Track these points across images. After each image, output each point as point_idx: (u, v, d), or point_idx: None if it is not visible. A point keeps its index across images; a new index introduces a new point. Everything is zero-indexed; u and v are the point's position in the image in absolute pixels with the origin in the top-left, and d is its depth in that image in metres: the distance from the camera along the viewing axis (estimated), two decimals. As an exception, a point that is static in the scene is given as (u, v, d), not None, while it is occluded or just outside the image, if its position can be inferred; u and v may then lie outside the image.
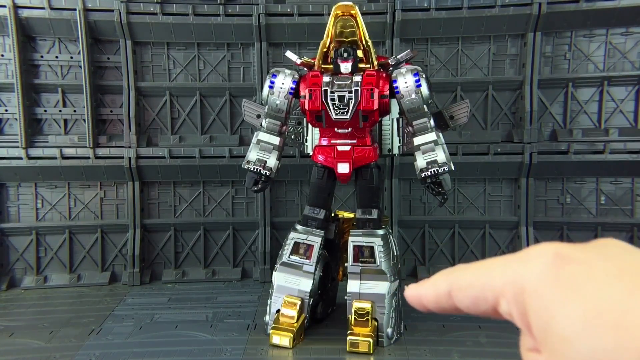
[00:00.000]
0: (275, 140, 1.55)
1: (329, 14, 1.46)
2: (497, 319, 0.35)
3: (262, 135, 1.55)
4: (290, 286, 1.54)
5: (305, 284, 1.54)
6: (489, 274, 0.35)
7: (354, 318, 1.47)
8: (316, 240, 1.56)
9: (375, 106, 1.44)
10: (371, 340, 1.43)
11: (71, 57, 2.04)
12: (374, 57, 1.48)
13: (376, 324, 1.47)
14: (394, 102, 1.50)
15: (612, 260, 0.31)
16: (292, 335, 1.47)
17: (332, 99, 1.44)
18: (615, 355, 0.27)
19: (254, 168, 1.53)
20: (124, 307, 1.81)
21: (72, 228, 2.08)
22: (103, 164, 2.04)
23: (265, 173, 1.53)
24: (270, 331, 1.50)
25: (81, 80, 2.00)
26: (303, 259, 1.55)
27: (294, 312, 1.51)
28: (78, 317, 1.72)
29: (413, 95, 1.44)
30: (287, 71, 1.53)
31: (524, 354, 0.35)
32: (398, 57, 1.49)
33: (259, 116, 1.61)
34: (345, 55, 1.46)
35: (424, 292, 0.39)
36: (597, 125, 2.03)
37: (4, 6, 1.92)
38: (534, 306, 0.32)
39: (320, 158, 1.56)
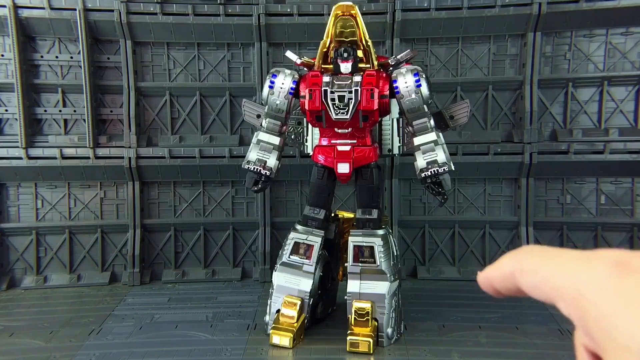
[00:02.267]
0: (276, 140, 1.55)
1: (329, 14, 1.46)
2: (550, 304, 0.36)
3: (262, 135, 1.55)
4: (290, 286, 1.54)
5: (305, 284, 1.54)
6: (552, 268, 0.35)
7: (354, 318, 1.47)
8: (316, 240, 1.56)
9: (375, 106, 1.44)
10: (371, 340, 1.43)
11: (71, 57, 2.04)
12: (374, 57, 1.48)
13: (376, 324, 1.47)
14: (394, 102, 1.50)
15: None
16: (292, 335, 1.47)
17: (332, 99, 1.44)
18: None
19: (254, 168, 1.53)
20: (124, 307, 1.81)
21: (72, 228, 2.08)
22: (103, 164, 2.04)
23: (265, 173, 1.53)
24: (270, 331, 1.50)
25: (81, 80, 2.00)
26: (303, 259, 1.55)
27: (294, 312, 1.51)
28: (78, 317, 1.72)
29: (413, 95, 1.44)
30: (287, 71, 1.53)
31: (578, 348, 0.36)
32: (398, 57, 1.49)
33: (259, 116, 1.61)
34: (345, 55, 1.46)
35: (492, 273, 0.40)
36: (597, 125, 2.03)
37: (4, 6, 1.92)
38: (593, 314, 0.32)
39: (320, 158, 1.56)
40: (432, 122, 1.47)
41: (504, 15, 1.95)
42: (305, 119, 1.65)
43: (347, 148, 1.53)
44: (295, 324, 1.50)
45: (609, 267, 0.32)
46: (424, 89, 1.44)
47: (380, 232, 1.54)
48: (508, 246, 2.08)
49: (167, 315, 1.73)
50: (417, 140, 1.47)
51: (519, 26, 1.97)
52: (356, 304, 1.47)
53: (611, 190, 2.05)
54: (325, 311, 1.68)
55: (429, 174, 1.45)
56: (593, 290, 0.32)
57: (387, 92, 1.47)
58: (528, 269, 0.37)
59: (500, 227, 2.08)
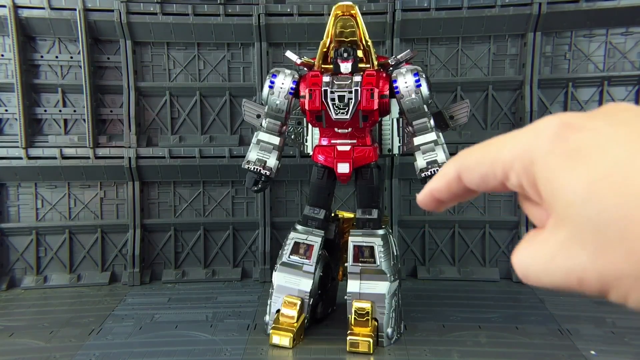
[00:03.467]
0: (275, 140, 1.55)
1: (329, 14, 1.46)
2: (505, 192, 0.37)
3: (262, 135, 1.55)
4: (290, 286, 1.54)
5: (305, 284, 1.54)
6: (498, 149, 0.36)
7: (354, 318, 1.47)
8: (316, 240, 1.56)
9: (375, 106, 1.44)
10: (371, 340, 1.43)
11: (71, 57, 2.04)
12: (374, 57, 1.48)
13: (376, 324, 1.47)
14: (394, 102, 1.50)
15: (619, 126, 0.31)
16: (292, 335, 1.47)
17: (332, 99, 1.44)
18: (619, 214, 0.28)
19: (254, 168, 1.53)
20: (124, 307, 1.81)
21: (72, 228, 2.08)
22: (103, 164, 2.04)
23: (265, 173, 1.53)
24: (270, 331, 1.50)
25: (81, 80, 2.00)
26: (303, 259, 1.55)
27: (294, 312, 1.51)
28: (78, 317, 1.72)
29: (413, 95, 1.44)
30: (287, 71, 1.53)
31: (536, 223, 0.36)
32: (398, 57, 1.49)
33: (259, 116, 1.61)
34: (345, 55, 1.46)
35: (434, 185, 0.40)
36: (597, 125, 2.03)
37: (4, 6, 1.92)
38: (542, 175, 0.32)
39: (320, 158, 1.56)
40: (432, 122, 1.47)
41: (504, 15, 1.95)
42: (305, 119, 1.65)
43: (347, 148, 1.53)
44: (295, 324, 1.50)
45: (556, 128, 0.33)
46: (424, 89, 1.44)
47: (380, 232, 1.54)
48: (508, 246, 2.08)
49: (167, 315, 1.73)
50: (417, 140, 1.47)
51: (519, 26, 1.97)
52: (356, 304, 1.47)
53: (611, 190, 2.04)
54: (325, 311, 1.68)
55: (429, 174, 1.45)
56: (541, 152, 0.32)
57: (387, 92, 1.47)
58: (474, 161, 0.37)
59: (500, 227, 2.08)
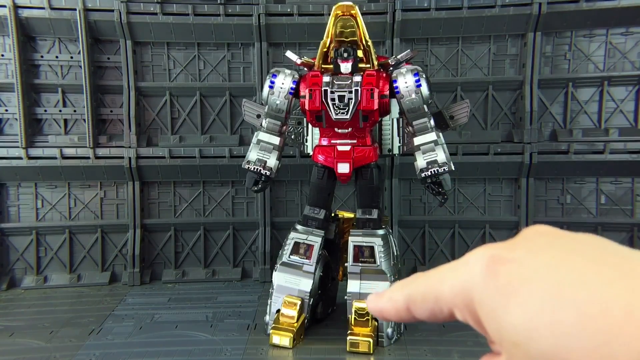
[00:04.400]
0: (276, 140, 1.55)
1: (329, 14, 1.46)
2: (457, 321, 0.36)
3: (262, 135, 1.55)
4: (291, 286, 1.54)
5: (306, 284, 1.54)
6: (439, 286, 0.35)
7: (354, 318, 1.47)
8: (316, 240, 1.56)
9: (375, 106, 1.44)
10: (371, 340, 1.43)
11: (71, 57, 2.04)
12: (374, 57, 1.48)
13: (376, 324, 1.47)
14: (394, 102, 1.50)
15: (540, 254, 0.32)
16: (292, 335, 1.47)
17: (332, 99, 1.44)
18: (555, 356, 0.28)
19: (254, 168, 1.53)
20: (124, 307, 1.81)
21: (72, 228, 2.08)
22: (103, 164, 2.04)
23: (266, 173, 1.53)
24: (271, 331, 1.50)
25: (81, 80, 2.00)
26: (303, 259, 1.55)
27: (294, 312, 1.51)
28: (78, 317, 1.72)
29: (413, 95, 1.44)
30: (287, 71, 1.53)
31: (490, 346, 0.36)
32: (398, 57, 1.49)
33: (259, 116, 1.61)
34: (345, 55, 1.46)
35: (385, 307, 0.40)
36: (597, 125, 2.03)
37: (4, 6, 1.92)
38: (483, 315, 0.32)
39: (321, 158, 1.56)
40: (432, 122, 1.47)
41: (504, 15, 1.95)
42: (305, 119, 1.65)
43: (347, 148, 1.53)
44: (295, 324, 1.50)
45: (484, 263, 0.33)
46: (424, 89, 1.44)
47: (381, 232, 1.54)
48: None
49: (167, 315, 1.73)
50: (417, 140, 1.47)
51: (519, 26, 1.97)
52: (356, 304, 1.47)
53: (611, 190, 2.05)
54: (325, 311, 1.68)
55: (429, 174, 1.45)
56: (477, 290, 0.33)
57: (387, 92, 1.47)
58: (420, 299, 0.37)
59: (500, 227, 2.08)
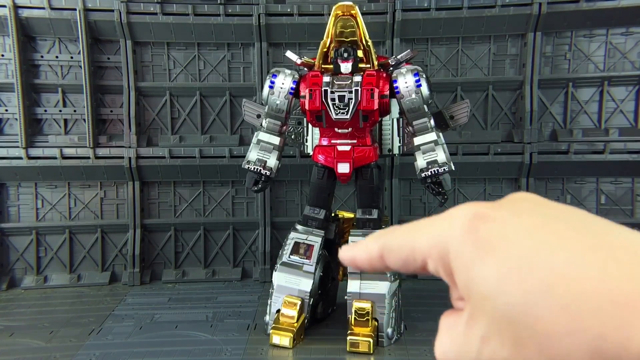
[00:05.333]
0: (276, 140, 1.55)
1: (329, 14, 1.46)
2: (427, 274, 0.37)
3: (262, 135, 1.55)
4: (291, 286, 1.54)
5: (306, 284, 1.54)
6: (417, 236, 0.36)
7: (354, 318, 1.47)
8: (316, 240, 1.56)
9: (376, 106, 1.44)
10: (371, 340, 1.43)
11: (71, 57, 2.04)
12: (374, 57, 1.48)
13: (376, 324, 1.47)
14: (394, 102, 1.50)
15: (522, 215, 0.32)
16: (292, 335, 1.47)
17: (332, 99, 1.44)
18: (526, 310, 0.28)
19: (254, 168, 1.53)
20: (124, 307, 1.81)
21: (72, 228, 2.08)
22: (103, 164, 2.04)
23: (266, 173, 1.53)
24: (271, 331, 1.50)
25: (81, 80, 2.00)
26: (303, 259, 1.55)
27: (294, 312, 1.51)
28: (78, 317, 1.72)
29: (413, 95, 1.44)
30: (287, 71, 1.53)
31: (454, 302, 0.37)
32: (398, 57, 1.49)
33: (259, 116, 1.61)
34: (345, 55, 1.46)
35: (358, 255, 0.41)
36: (597, 125, 2.03)
37: (4, 6, 1.92)
38: (456, 266, 0.33)
39: (321, 158, 1.56)
40: (432, 122, 1.47)
41: (504, 15, 1.95)
42: (305, 119, 1.65)
43: (347, 148, 1.53)
44: (295, 324, 1.50)
45: (467, 219, 0.33)
46: (424, 89, 1.44)
47: (381, 232, 1.54)
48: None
49: (167, 315, 1.73)
50: (417, 140, 1.47)
51: (519, 26, 1.97)
52: (356, 304, 1.47)
53: (611, 190, 2.05)
54: (325, 311, 1.68)
55: (429, 174, 1.45)
56: (455, 243, 0.33)
57: (387, 92, 1.47)
58: (397, 245, 0.37)
59: (500, 227, 2.08)
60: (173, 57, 2.07)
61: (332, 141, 1.55)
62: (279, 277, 1.56)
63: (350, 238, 1.54)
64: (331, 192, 1.61)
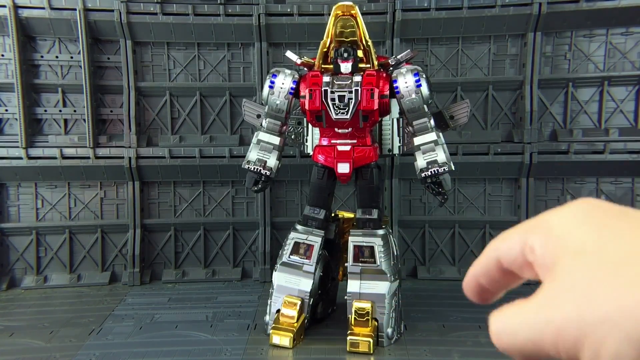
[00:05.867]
0: (276, 140, 1.55)
1: (329, 14, 1.46)
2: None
3: (262, 135, 1.55)
4: (291, 286, 1.54)
5: (306, 284, 1.54)
6: (523, 226, 0.36)
7: (354, 318, 1.47)
8: (316, 240, 1.56)
9: (375, 106, 1.44)
10: (371, 340, 1.43)
11: (71, 57, 2.04)
12: (374, 57, 1.48)
13: (376, 324, 1.47)
14: (394, 102, 1.50)
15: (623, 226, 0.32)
16: (292, 335, 1.47)
17: (332, 99, 1.44)
18: (615, 275, 0.29)
19: (254, 168, 1.53)
20: (124, 307, 1.81)
21: (72, 228, 2.08)
22: (103, 164, 2.04)
23: (266, 173, 1.53)
24: (271, 331, 1.50)
25: (81, 80, 2.00)
26: (303, 259, 1.55)
27: (294, 312, 1.51)
28: (78, 317, 1.72)
29: (413, 95, 1.44)
30: (287, 71, 1.53)
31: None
32: (398, 57, 1.49)
33: (259, 116, 1.61)
34: (345, 55, 1.46)
35: (472, 269, 0.40)
36: (597, 125, 2.03)
37: (4, 6, 1.92)
38: (554, 234, 0.33)
39: (321, 158, 1.56)
40: (432, 122, 1.47)
41: (504, 15, 1.95)
42: (305, 119, 1.65)
43: (347, 148, 1.53)
44: (295, 324, 1.50)
45: (581, 205, 0.34)
46: (424, 89, 1.44)
47: (381, 232, 1.54)
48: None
49: (167, 315, 1.73)
50: (417, 140, 1.47)
51: (519, 26, 1.97)
52: (356, 304, 1.47)
53: (611, 190, 2.05)
54: (325, 311, 1.68)
55: (429, 174, 1.45)
56: (561, 221, 0.34)
57: (387, 92, 1.47)
58: (506, 248, 0.37)
59: (501, 227, 2.08)
60: (173, 57, 2.07)
61: (332, 141, 1.55)
62: (279, 277, 1.56)
63: (350, 238, 1.54)
64: (331, 192, 1.61)
